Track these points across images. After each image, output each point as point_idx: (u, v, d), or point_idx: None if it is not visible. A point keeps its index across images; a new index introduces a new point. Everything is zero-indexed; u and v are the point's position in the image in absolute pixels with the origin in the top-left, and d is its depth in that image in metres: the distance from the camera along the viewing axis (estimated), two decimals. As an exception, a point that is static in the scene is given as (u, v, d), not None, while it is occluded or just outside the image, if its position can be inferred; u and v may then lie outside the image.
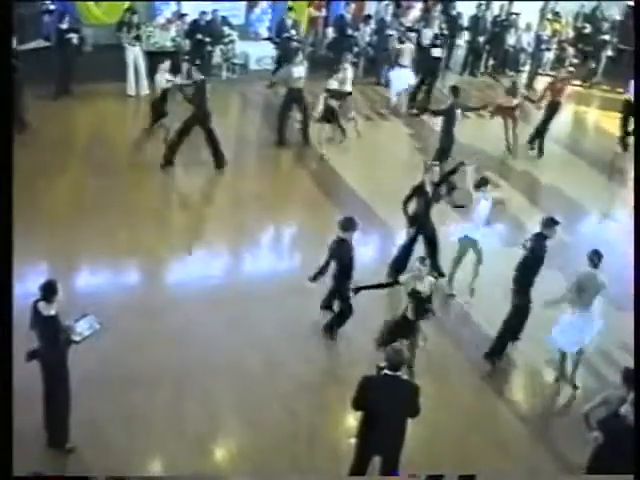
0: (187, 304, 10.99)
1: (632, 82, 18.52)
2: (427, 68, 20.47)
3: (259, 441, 8.87)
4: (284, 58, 19.49)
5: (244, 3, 21.67)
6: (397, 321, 9.88)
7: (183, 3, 20.41)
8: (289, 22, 20.34)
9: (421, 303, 9.73)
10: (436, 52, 20.51)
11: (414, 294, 9.67)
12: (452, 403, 9.88)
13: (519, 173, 17.27)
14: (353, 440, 8.01)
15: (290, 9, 20.76)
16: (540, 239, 10.46)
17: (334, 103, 16.39)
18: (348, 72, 17.52)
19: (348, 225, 10.32)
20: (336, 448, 8.82)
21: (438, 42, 20.79)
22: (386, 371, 7.48)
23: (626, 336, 11.25)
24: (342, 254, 10.25)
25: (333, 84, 16.61)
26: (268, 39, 20.93)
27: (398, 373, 7.45)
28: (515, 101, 17.81)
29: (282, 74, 18.11)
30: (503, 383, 10.45)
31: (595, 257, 10.15)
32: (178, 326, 10.47)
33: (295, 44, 19.78)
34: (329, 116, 16.44)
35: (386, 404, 7.40)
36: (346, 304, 10.58)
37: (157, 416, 8.99)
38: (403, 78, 20.31)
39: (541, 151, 18.19)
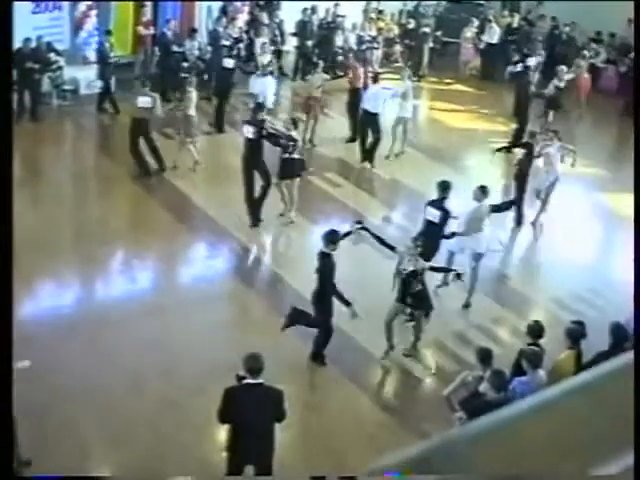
0: (41, 336, 10.65)
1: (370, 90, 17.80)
2: (218, 80, 20.03)
3: (127, 463, 8.75)
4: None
5: (67, 28, 21.09)
6: None
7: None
8: (107, 45, 19.78)
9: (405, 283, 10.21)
10: (228, 63, 19.81)
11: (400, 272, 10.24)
12: (317, 404, 10.01)
13: (359, 170, 17.58)
14: (224, 453, 7.99)
15: (108, 32, 20.24)
16: None
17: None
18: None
19: (332, 238, 10.10)
20: (207, 463, 8.79)
21: (229, 51, 20.51)
22: (247, 380, 7.48)
23: (478, 317, 11.69)
24: (328, 270, 10.05)
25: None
26: (96, 63, 20.39)
27: (260, 380, 7.46)
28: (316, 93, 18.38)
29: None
30: (365, 377, 10.62)
31: (479, 191, 11.96)
32: (34, 359, 10.11)
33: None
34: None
35: (251, 413, 7.40)
36: (328, 323, 10.37)
37: (20, 450, 8.66)
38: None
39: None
